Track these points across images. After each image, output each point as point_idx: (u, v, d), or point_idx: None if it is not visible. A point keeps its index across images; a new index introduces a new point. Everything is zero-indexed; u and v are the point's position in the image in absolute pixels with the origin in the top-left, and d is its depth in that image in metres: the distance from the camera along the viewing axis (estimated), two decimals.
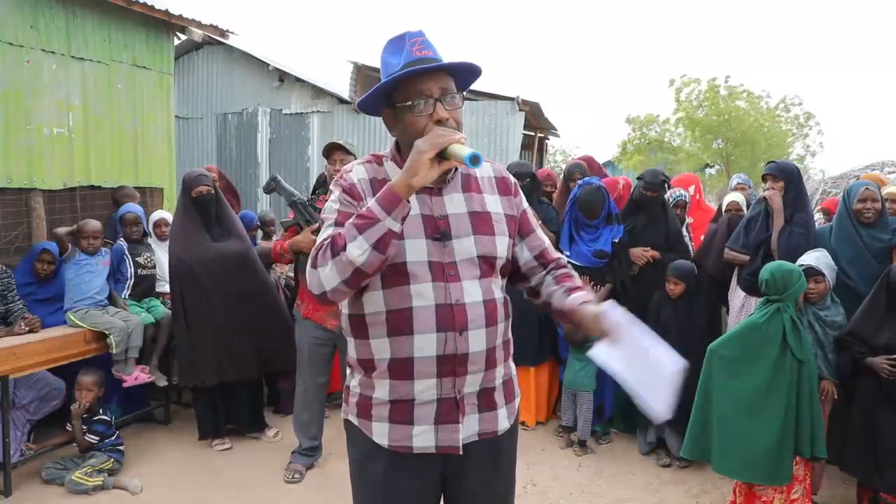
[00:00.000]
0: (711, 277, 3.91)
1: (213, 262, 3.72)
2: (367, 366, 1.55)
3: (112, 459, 3.51)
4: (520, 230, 1.65)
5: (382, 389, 1.53)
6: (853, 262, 3.32)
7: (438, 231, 1.50)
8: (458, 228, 1.51)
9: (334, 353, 3.55)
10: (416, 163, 1.33)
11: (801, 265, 3.07)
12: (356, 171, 1.57)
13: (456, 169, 1.55)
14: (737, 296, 3.76)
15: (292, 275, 4.48)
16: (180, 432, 4.15)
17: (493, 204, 1.59)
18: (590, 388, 3.93)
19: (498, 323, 1.54)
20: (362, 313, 1.53)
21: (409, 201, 1.37)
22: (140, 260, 4.06)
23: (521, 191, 1.69)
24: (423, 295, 1.46)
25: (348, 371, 1.65)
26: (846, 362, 3.06)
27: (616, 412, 4.17)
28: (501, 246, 1.56)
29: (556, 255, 1.72)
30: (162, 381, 4.02)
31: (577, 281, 1.66)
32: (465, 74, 1.54)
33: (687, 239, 4.38)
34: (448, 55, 1.50)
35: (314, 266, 1.42)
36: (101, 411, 3.62)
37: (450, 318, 1.47)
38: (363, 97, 1.54)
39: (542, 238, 1.71)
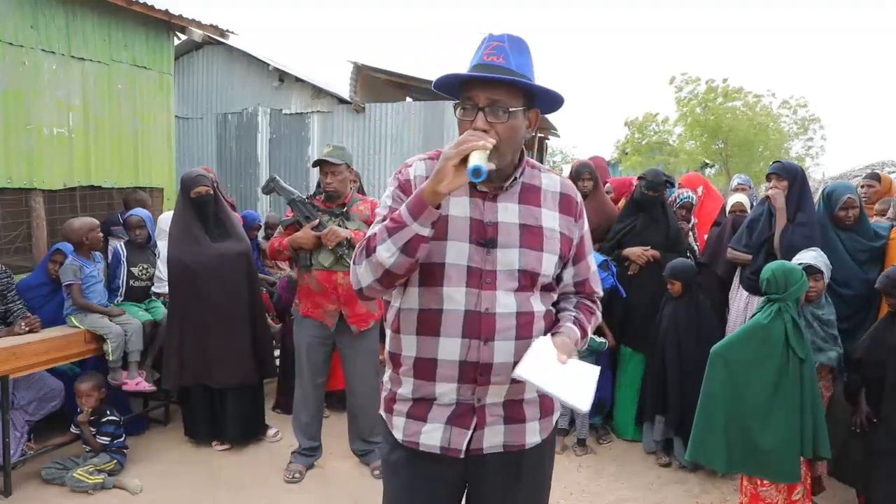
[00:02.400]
0: (721, 279, 3.91)
1: (212, 262, 3.71)
2: (395, 361, 1.58)
3: (115, 461, 3.51)
4: (574, 255, 1.62)
5: (407, 387, 1.55)
6: (835, 265, 3.34)
7: (485, 237, 1.48)
8: (505, 238, 1.49)
9: (333, 352, 3.54)
10: (442, 169, 1.32)
11: (801, 264, 3.07)
12: (416, 167, 1.56)
13: (515, 178, 1.52)
14: (739, 296, 3.76)
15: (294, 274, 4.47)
16: (180, 432, 4.13)
17: (549, 219, 1.55)
18: None
19: (533, 337, 1.50)
20: (400, 307, 1.55)
21: (440, 206, 1.36)
22: (135, 270, 4.00)
23: (585, 215, 1.65)
24: (453, 298, 1.47)
25: (386, 366, 1.67)
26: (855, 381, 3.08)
27: (621, 419, 4.17)
28: (547, 263, 1.52)
29: (597, 288, 1.69)
30: (151, 386, 4.00)
31: (590, 319, 1.64)
32: (543, 98, 1.49)
33: (691, 239, 4.38)
34: (543, 70, 1.47)
35: (355, 262, 1.47)
36: (108, 412, 3.61)
37: (477, 326, 1.46)
38: (440, 79, 1.48)
39: (590, 267, 1.67)
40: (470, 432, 1.51)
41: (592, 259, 1.68)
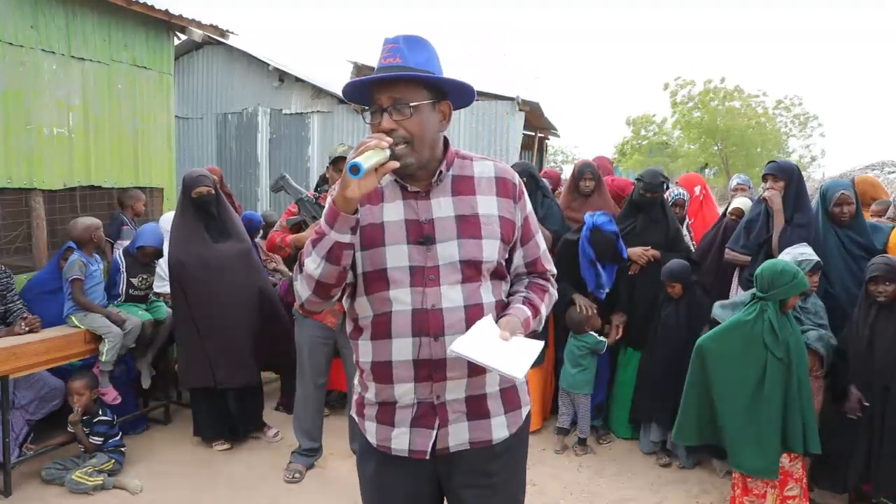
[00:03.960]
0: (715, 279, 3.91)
1: (213, 262, 3.70)
2: (358, 367, 1.61)
3: (113, 460, 3.51)
4: (521, 237, 1.62)
5: (371, 391, 1.58)
6: (831, 261, 3.36)
7: (422, 235, 1.49)
8: (442, 232, 1.50)
9: (334, 352, 3.54)
10: (345, 175, 1.34)
11: (807, 259, 3.09)
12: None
13: (441, 172, 1.53)
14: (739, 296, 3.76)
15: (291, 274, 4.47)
16: (180, 432, 4.14)
17: (486, 205, 1.55)
18: (587, 391, 3.93)
19: None
20: (356, 317, 1.58)
21: (356, 212, 1.39)
22: (134, 281, 4.00)
23: (525, 195, 1.64)
24: (400, 300, 1.49)
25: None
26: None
27: (617, 418, 4.17)
28: (489, 249, 1.52)
29: (549, 266, 1.70)
30: (146, 382, 4.00)
31: (543, 297, 1.64)
32: (453, 90, 1.51)
33: (688, 238, 4.38)
34: (452, 61, 1.51)
35: (294, 279, 1.53)
36: (100, 412, 3.60)
37: (425, 323, 1.48)
38: (345, 93, 1.54)
39: (539, 245, 1.68)
40: (434, 432, 1.51)
41: (541, 238, 1.69)
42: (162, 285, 4.19)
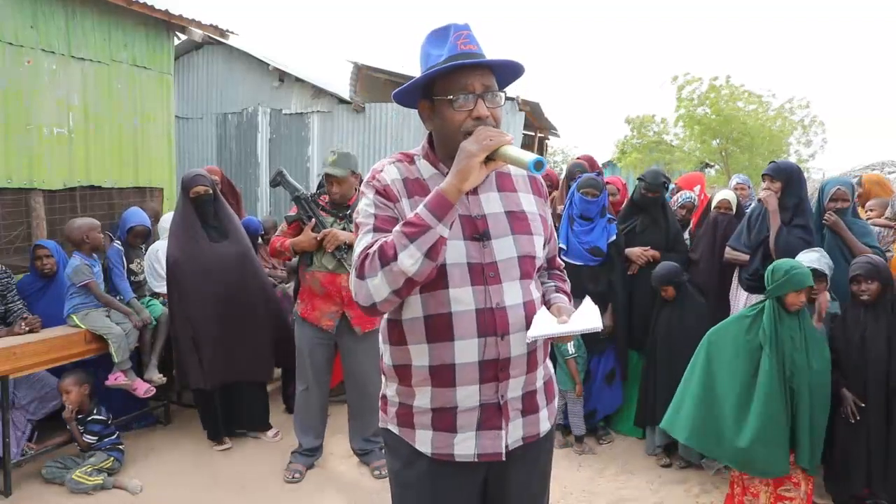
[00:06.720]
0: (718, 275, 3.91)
1: (210, 262, 3.69)
2: (404, 373, 1.52)
3: (112, 458, 3.51)
4: (549, 234, 1.66)
5: (424, 398, 1.50)
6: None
7: (478, 231, 1.46)
8: (496, 228, 1.48)
9: (335, 352, 3.55)
10: (468, 166, 1.29)
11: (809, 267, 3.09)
12: (388, 171, 1.50)
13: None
14: (739, 296, 3.76)
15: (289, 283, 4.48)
16: (180, 432, 4.14)
17: (528, 203, 1.57)
18: (567, 387, 3.91)
19: None
20: (400, 318, 1.49)
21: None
22: (133, 266, 4.02)
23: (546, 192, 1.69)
24: (462, 299, 1.43)
25: (383, 379, 1.61)
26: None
27: (622, 417, 4.17)
28: (538, 245, 1.54)
29: (561, 263, 1.78)
30: (160, 380, 4.01)
31: (565, 286, 1.71)
32: (506, 73, 1.50)
33: (688, 240, 4.38)
34: (489, 52, 1.48)
35: (361, 276, 1.37)
36: (94, 411, 3.60)
37: (491, 323, 1.43)
38: (402, 87, 1.50)
39: (557, 241, 1.75)
40: (504, 432, 1.49)
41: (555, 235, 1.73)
42: (160, 284, 4.19)
